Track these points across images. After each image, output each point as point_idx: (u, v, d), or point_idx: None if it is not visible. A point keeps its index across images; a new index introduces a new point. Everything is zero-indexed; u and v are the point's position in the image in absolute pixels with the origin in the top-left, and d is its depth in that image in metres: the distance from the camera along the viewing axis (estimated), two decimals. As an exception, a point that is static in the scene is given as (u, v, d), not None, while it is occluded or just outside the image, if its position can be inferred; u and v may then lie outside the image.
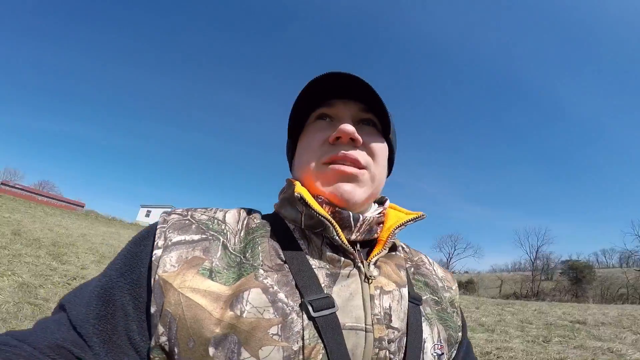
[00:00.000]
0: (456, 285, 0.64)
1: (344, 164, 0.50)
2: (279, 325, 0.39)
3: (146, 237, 0.46)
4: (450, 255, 45.30)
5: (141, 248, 0.45)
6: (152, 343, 0.39)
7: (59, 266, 5.97)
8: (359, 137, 0.51)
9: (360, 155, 0.51)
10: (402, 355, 0.44)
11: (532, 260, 40.73)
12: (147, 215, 45.79)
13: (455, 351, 0.56)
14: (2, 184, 36.13)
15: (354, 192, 0.50)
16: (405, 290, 0.50)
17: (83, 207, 39.46)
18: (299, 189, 0.48)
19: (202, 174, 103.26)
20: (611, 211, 65.77)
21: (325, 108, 0.55)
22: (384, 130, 0.56)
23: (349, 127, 0.50)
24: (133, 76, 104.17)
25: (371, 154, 0.53)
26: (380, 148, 0.55)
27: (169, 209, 0.50)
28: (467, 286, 37.04)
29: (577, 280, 32.61)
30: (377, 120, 0.56)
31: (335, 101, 0.55)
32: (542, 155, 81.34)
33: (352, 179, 0.50)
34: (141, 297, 0.41)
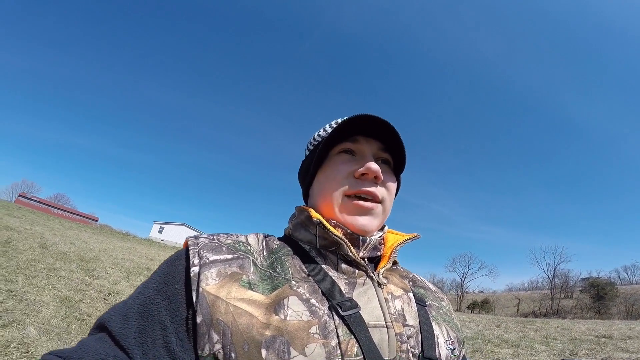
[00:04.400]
0: (447, 298, 0.71)
1: (365, 199, 0.57)
2: (317, 325, 0.44)
3: (179, 258, 0.51)
4: (464, 275, 44.40)
5: (175, 267, 0.49)
6: (206, 351, 0.42)
7: (93, 281, 6.19)
8: (381, 176, 0.58)
9: (379, 191, 0.58)
10: (420, 348, 0.50)
11: (550, 278, 39.61)
12: (160, 231, 46.35)
13: (464, 351, 0.61)
14: (20, 195, 37.20)
15: (369, 224, 0.57)
16: (411, 295, 0.57)
17: (97, 221, 40.11)
18: (315, 215, 0.56)
19: (213, 193, 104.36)
20: (631, 228, 63.78)
21: (349, 143, 0.61)
22: (396, 168, 0.64)
23: (375, 166, 0.56)
24: (150, 93, 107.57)
25: (386, 190, 0.60)
26: (393, 186, 0.62)
27: (195, 234, 0.56)
28: (483, 305, 35.99)
29: (599, 297, 31.46)
30: (392, 160, 0.63)
31: (359, 137, 0.61)
32: (557, 175, 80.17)
33: (368, 212, 0.57)
34: (178, 311, 0.45)
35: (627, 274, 45.47)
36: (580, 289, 35.86)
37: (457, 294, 42.96)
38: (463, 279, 44.11)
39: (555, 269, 39.69)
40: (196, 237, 0.54)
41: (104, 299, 5.35)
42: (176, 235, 45.54)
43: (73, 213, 38.91)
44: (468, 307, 36.01)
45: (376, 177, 0.57)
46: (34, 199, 36.91)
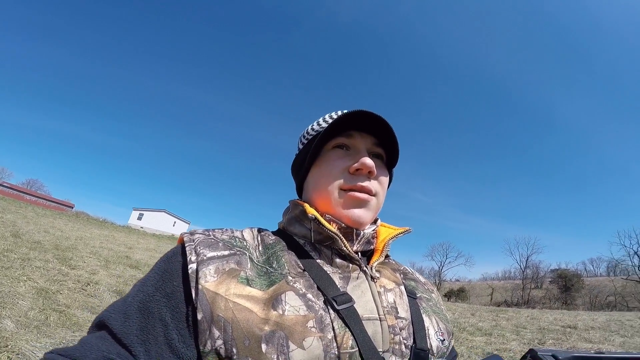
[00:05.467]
0: (436, 290, 0.73)
1: (360, 192, 0.58)
2: (314, 319, 0.46)
3: (175, 255, 0.51)
4: (442, 264, 45.73)
5: (172, 264, 0.50)
6: (208, 347, 0.43)
7: (70, 271, 6.01)
8: (375, 171, 0.59)
9: (373, 185, 0.59)
10: (412, 339, 0.52)
11: (522, 269, 41.27)
12: (140, 218, 45.35)
13: (453, 341, 0.63)
14: (-10, 182, 35.46)
15: (364, 215, 0.59)
16: (403, 288, 0.59)
17: (72, 207, 38.87)
18: (310, 211, 0.57)
19: (196, 180, 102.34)
20: (598, 222, 67.20)
21: (344, 138, 0.61)
22: (389, 163, 0.66)
23: (370, 162, 0.57)
24: (128, 75, 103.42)
25: (379, 184, 0.61)
26: (385, 180, 0.63)
27: (189, 230, 0.56)
28: (459, 294, 37.32)
29: (567, 288, 33.18)
30: (384, 154, 0.64)
31: (353, 132, 0.61)
32: (533, 168, 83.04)
33: (363, 204, 0.58)
34: (178, 308, 0.46)
35: (592, 266, 48.08)
36: (550, 279, 37.66)
37: (435, 282, 44.25)
38: (441, 267, 45.53)
39: (527, 259, 41.49)
40: (191, 233, 0.54)
41: (83, 289, 5.23)
42: (156, 222, 44.75)
43: (47, 200, 37.47)
44: (445, 296, 37.23)
45: (370, 172, 0.58)
46: (4, 184, 35.24)
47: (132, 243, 13.75)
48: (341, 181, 0.59)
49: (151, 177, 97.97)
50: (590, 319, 9.02)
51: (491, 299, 37.95)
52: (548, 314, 10.88)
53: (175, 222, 49.47)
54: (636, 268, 32.41)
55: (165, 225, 46.38)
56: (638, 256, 32.48)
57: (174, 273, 0.48)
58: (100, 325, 0.45)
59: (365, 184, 0.58)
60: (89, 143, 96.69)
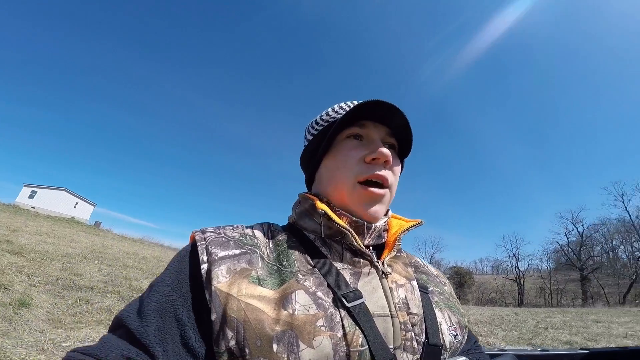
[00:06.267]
0: (448, 281, 0.72)
1: (375, 187, 0.58)
2: (323, 318, 0.45)
3: (187, 254, 0.52)
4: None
5: (185, 264, 0.50)
6: (222, 348, 0.44)
7: None
8: (391, 161, 0.59)
9: (388, 175, 0.59)
10: (425, 335, 0.51)
11: (427, 265, 45.79)
12: (31, 196, 38.50)
13: (466, 334, 0.63)
14: None
15: (379, 211, 0.59)
16: (414, 283, 0.58)
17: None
18: (320, 206, 0.56)
19: (111, 159, 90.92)
20: (490, 225, 78.34)
21: (357, 128, 0.61)
22: (401, 153, 0.66)
23: (386, 151, 0.58)
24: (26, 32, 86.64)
25: (393, 174, 0.61)
26: (399, 170, 0.63)
27: (201, 228, 0.56)
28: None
29: (461, 284, 38.06)
30: (397, 144, 0.64)
31: (366, 123, 0.61)
32: (442, 171, 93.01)
33: (379, 200, 0.59)
34: (193, 308, 0.46)
35: (481, 265, 55.94)
36: (448, 276, 42.52)
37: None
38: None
39: (431, 257, 46.21)
40: (202, 232, 0.54)
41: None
42: (53, 202, 38.66)
43: None
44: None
45: (386, 162, 0.58)
46: None
47: (19, 225, 11.59)
48: (358, 172, 0.58)
49: (52, 151, 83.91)
50: (479, 314, 10.41)
51: (400, 293, 41.42)
52: (446, 308, 12.25)
53: (77, 203, 43.38)
54: (514, 268, 38.72)
55: (64, 206, 40.33)
56: (516, 258, 38.85)
57: (187, 273, 0.49)
58: (118, 325, 0.46)
59: (382, 172, 0.58)
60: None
